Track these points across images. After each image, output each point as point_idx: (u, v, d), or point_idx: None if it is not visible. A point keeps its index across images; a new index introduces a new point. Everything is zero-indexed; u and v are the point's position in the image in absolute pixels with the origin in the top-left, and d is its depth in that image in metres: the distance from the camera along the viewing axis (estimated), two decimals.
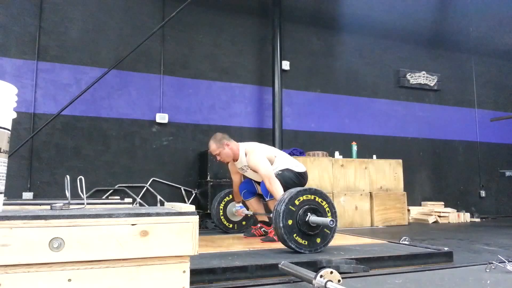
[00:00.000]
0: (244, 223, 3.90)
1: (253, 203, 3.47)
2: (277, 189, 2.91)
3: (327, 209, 2.56)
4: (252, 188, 3.46)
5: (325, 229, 2.51)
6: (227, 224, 3.83)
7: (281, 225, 2.40)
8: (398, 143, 6.73)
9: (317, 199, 2.53)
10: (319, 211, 2.49)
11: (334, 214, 2.57)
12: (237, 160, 3.31)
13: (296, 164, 3.31)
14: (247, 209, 3.61)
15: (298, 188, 2.54)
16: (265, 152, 3.23)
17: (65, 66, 4.92)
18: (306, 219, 2.43)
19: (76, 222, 1.11)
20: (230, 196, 3.82)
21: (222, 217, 3.81)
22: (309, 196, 2.51)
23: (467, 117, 7.42)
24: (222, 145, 3.27)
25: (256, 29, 6.02)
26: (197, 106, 5.52)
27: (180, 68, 5.48)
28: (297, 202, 2.46)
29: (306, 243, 2.46)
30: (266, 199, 3.12)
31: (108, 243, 1.13)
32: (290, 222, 2.42)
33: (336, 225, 2.44)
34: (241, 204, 3.64)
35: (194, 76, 5.55)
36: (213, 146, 3.30)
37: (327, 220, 2.38)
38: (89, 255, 1.11)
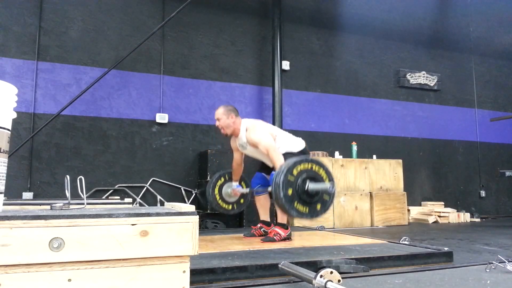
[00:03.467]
0: (242, 201, 3.80)
1: (262, 199, 3.42)
2: (279, 159, 2.90)
3: (324, 176, 2.56)
4: (265, 182, 3.39)
5: (324, 196, 2.53)
6: (226, 206, 3.72)
7: (281, 195, 2.39)
8: (398, 143, 6.73)
9: (314, 167, 2.53)
10: (317, 179, 2.50)
11: (332, 181, 2.58)
12: (237, 136, 3.32)
13: (295, 142, 3.30)
14: (241, 188, 3.58)
15: (295, 158, 2.54)
16: (267, 129, 3.24)
17: (65, 66, 4.92)
18: (306, 188, 2.44)
19: (76, 222, 1.11)
20: (222, 179, 3.71)
21: (219, 201, 3.70)
22: (307, 165, 2.52)
23: (467, 117, 7.42)
24: (227, 114, 3.30)
25: (256, 29, 6.02)
26: (197, 106, 5.52)
27: (180, 68, 5.48)
28: (295, 172, 2.45)
29: (307, 211, 2.47)
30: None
31: (108, 243, 1.13)
32: (290, 191, 2.42)
33: (335, 190, 2.46)
34: (237, 183, 3.60)
35: (194, 76, 5.55)
36: (220, 110, 3.34)
37: (327, 185, 2.42)
38: (89, 255, 1.11)
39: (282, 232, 3.09)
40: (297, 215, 2.44)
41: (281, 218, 3.16)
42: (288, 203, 2.39)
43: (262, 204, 3.45)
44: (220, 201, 3.70)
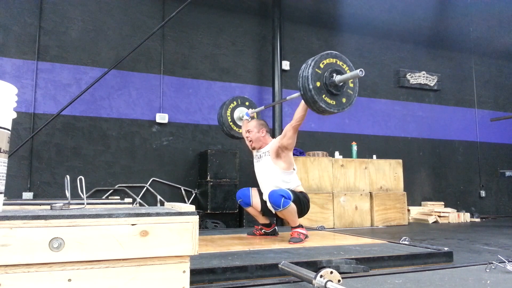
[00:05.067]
0: None
1: (250, 210, 3.41)
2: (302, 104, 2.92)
3: (348, 71, 2.62)
4: (247, 200, 3.36)
5: (349, 90, 2.63)
6: (236, 129, 3.81)
7: (311, 87, 2.46)
8: (398, 143, 6.74)
9: (338, 62, 2.61)
10: (342, 72, 2.58)
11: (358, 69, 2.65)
12: (260, 148, 3.33)
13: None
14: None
15: (320, 54, 2.59)
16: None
17: (65, 66, 4.92)
18: (333, 79, 2.51)
19: (76, 222, 1.11)
20: (235, 102, 3.81)
21: (231, 123, 3.79)
22: (332, 59, 2.59)
23: (467, 117, 7.42)
24: (259, 128, 3.33)
25: (256, 29, 6.02)
26: (197, 106, 5.52)
27: (180, 68, 5.48)
28: (321, 65, 2.53)
29: (334, 103, 2.56)
30: (279, 209, 2.99)
31: (108, 243, 1.13)
32: (318, 84, 2.49)
33: (363, 73, 2.48)
34: (248, 112, 3.67)
35: (194, 76, 5.55)
36: (252, 123, 3.38)
37: (356, 71, 2.45)
38: (89, 255, 1.11)
39: (303, 231, 3.07)
40: (326, 106, 2.51)
41: (293, 223, 3.08)
42: (317, 95, 2.48)
43: (253, 214, 3.43)
44: (231, 123, 3.79)
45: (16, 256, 1.03)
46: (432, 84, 7.10)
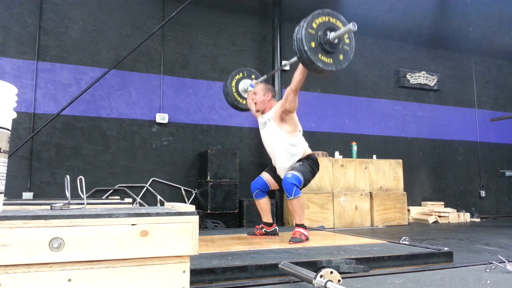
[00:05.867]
0: None
1: (262, 203, 3.41)
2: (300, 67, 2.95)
3: (342, 27, 2.59)
4: (265, 188, 3.39)
5: (345, 47, 2.61)
6: (240, 100, 3.87)
7: (306, 48, 2.43)
8: (398, 143, 6.74)
9: (331, 19, 2.58)
10: (335, 29, 2.55)
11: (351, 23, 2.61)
12: (264, 113, 3.36)
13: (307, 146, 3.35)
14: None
15: (312, 13, 2.56)
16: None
17: (65, 66, 4.92)
18: (327, 37, 2.49)
19: (76, 222, 1.11)
20: (241, 74, 3.87)
21: (235, 94, 3.84)
22: (324, 18, 2.56)
23: (467, 117, 7.42)
24: (266, 92, 3.38)
25: (256, 29, 6.02)
26: (197, 106, 5.52)
27: (180, 68, 5.48)
28: (314, 25, 2.50)
29: (331, 61, 2.53)
30: (290, 197, 3.05)
31: (108, 243, 1.13)
32: (313, 44, 2.47)
33: (356, 27, 2.47)
34: (252, 83, 3.71)
35: (194, 76, 5.55)
36: (260, 86, 3.43)
37: (348, 26, 2.44)
38: (89, 255, 1.11)
39: (305, 232, 3.06)
40: (323, 66, 2.50)
41: (299, 220, 3.11)
42: (313, 55, 2.46)
43: (263, 208, 3.42)
44: (235, 94, 3.84)
45: (16, 256, 1.03)
46: (432, 84, 7.10)
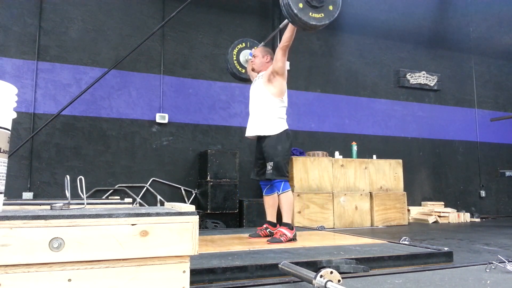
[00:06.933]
0: None
1: (271, 199, 3.38)
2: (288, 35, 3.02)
3: None
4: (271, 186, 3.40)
5: None
6: (240, 69, 3.92)
7: (295, 12, 2.48)
8: (398, 143, 6.73)
9: None
10: None
11: None
12: (259, 72, 3.43)
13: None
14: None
15: None
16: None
17: (65, 66, 4.92)
18: None
19: (76, 222, 1.11)
20: (243, 44, 3.94)
21: (235, 62, 3.90)
22: None
23: (467, 117, 7.42)
24: (265, 54, 3.45)
25: (256, 29, 6.01)
26: (197, 106, 5.52)
27: (180, 68, 5.48)
28: None
29: (322, 15, 2.57)
30: (279, 193, 3.14)
31: (108, 243, 1.13)
32: (300, 5, 2.51)
33: None
34: (251, 52, 3.74)
35: (194, 76, 5.55)
36: (260, 49, 3.51)
37: None
38: (89, 255, 1.10)
39: (288, 233, 3.02)
40: (316, 22, 2.53)
41: (286, 217, 3.11)
42: (304, 16, 2.49)
43: (271, 205, 3.37)
44: (235, 62, 3.90)
45: (16, 256, 1.03)
46: (432, 84, 7.10)
